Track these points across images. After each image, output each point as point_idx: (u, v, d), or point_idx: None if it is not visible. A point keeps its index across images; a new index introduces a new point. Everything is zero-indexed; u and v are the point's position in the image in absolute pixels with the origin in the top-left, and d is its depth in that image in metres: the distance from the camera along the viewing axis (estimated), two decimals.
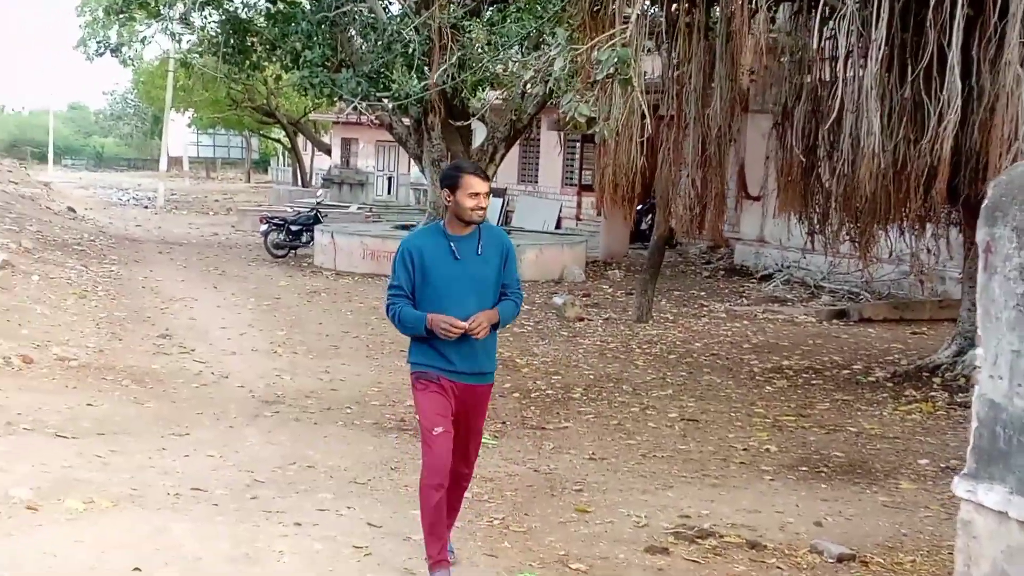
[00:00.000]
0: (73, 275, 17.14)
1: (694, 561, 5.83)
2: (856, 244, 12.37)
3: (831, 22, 10.98)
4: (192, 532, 5.80)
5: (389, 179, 39.76)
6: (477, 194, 5.19)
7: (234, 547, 5.61)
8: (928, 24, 9.93)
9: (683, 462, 8.08)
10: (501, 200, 27.86)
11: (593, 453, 8.28)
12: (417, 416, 5.40)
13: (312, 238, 22.39)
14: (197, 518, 6.09)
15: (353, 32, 21.30)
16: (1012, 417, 4.80)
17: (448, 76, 17.14)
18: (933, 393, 10.48)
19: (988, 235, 4.98)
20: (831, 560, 5.85)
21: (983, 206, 5.02)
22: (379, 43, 19.88)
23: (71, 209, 31.70)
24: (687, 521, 6.53)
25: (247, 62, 24.25)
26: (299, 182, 48.78)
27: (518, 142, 24.20)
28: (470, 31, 18.13)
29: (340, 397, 9.97)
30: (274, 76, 34.47)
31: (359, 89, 19.92)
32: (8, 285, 14.35)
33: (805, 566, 5.78)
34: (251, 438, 8.36)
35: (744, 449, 8.50)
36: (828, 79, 11.96)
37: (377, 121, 23.08)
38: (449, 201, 5.24)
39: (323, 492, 6.84)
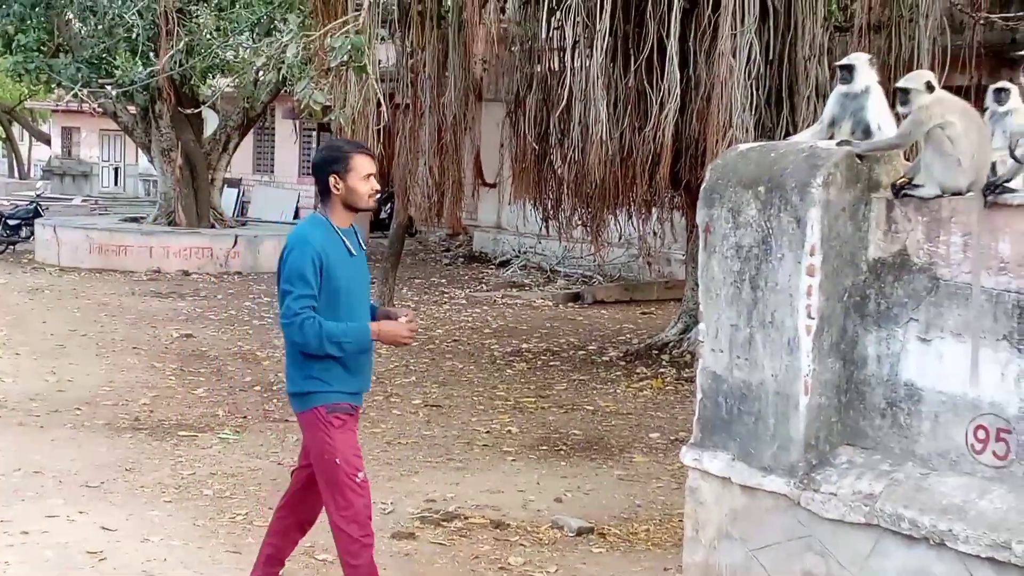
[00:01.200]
0: None
1: (440, 544, 5.91)
2: (588, 229, 12.81)
3: (558, 13, 11.30)
4: None
5: (116, 170, 38.10)
6: (371, 175, 4.65)
7: None
8: (648, 16, 10.38)
9: (428, 447, 8.16)
10: (236, 191, 27.22)
11: None
12: (335, 461, 4.58)
13: (32, 232, 21.17)
14: None
15: (71, 15, 20.26)
16: (732, 388, 5.11)
17: (176, 62, 16.56)
18: (662, 370, 11.00)
19: (707, 216, 5.27)
20: (571, 534, 6.06)
21: (702, 189, 5.31)
22: (100, 27, 19.04)
23: None
24: (433, 505, 6.61)
25: None
26: (16, 174, 45.99)
27: (252, 131, 23.72)
28: (198, 16, 17.61)
29: (68, 398, 9.49)
30: None
31: (79, 75, 19.02)
32: None
33: (547, 541, 5.97)
34: None
35: (487, 432, 8.66)
36: (557, 69, 12.30)
37: (100, 109, 22.09)
38: (338, 189, 4.58)
39: (52, 498, 6.51)
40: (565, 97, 11.06)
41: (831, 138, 5.20)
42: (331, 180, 4.58)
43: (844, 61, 5.13)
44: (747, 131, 9.62)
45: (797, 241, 4.83)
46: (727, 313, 5.13)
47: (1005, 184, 4.48)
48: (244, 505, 6.57)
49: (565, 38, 12.24)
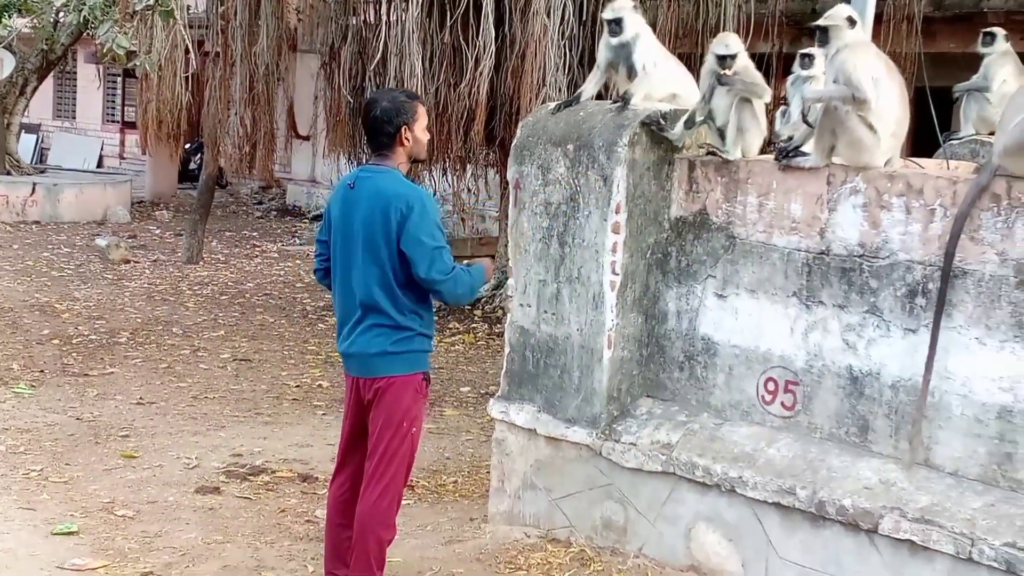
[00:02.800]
0: None
1: (246, 498, 5.84)
2: None
3: None
4: None
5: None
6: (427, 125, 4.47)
7: None
8: None
9: (236, 402, 8.04)
10: (35, 137, 25.96)
11: (141, 398, 8.02)
12: (412, 431, 4.35)
13: None
14: None
15: None
16: (539, 342, 5.22)
17: None
18: (475, 325, 11.10)
19: (517, 173, 5.35)
20: None
21: (512, 146, 5.38)
22: None
23: None
24: (239, 460, 6.52)
25: None
26: None
27: (52, 75, 22.63)
28: None
29: None
30: None
31: None
32: None
33: None
34: None
35: (297, 386, 8.59)
36: (373, 21, 12.17)
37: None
38: (408, 140, 4.31)
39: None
40: (380, 50, 10.97)
41: (607, 80, 5.47)
42: (403, 132, 4.30)
43: (610, 15, 5.27)
44: (560, 90, 9.74)
45: (604, 199, 4.96)
46: (535, 268, 5.22)
47: (798, 148, 4.68)
48: (39, 461, 6.36)
49: None
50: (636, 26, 5.28)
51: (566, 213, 5.11)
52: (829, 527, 4.30)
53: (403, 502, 5.81)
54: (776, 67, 10.46)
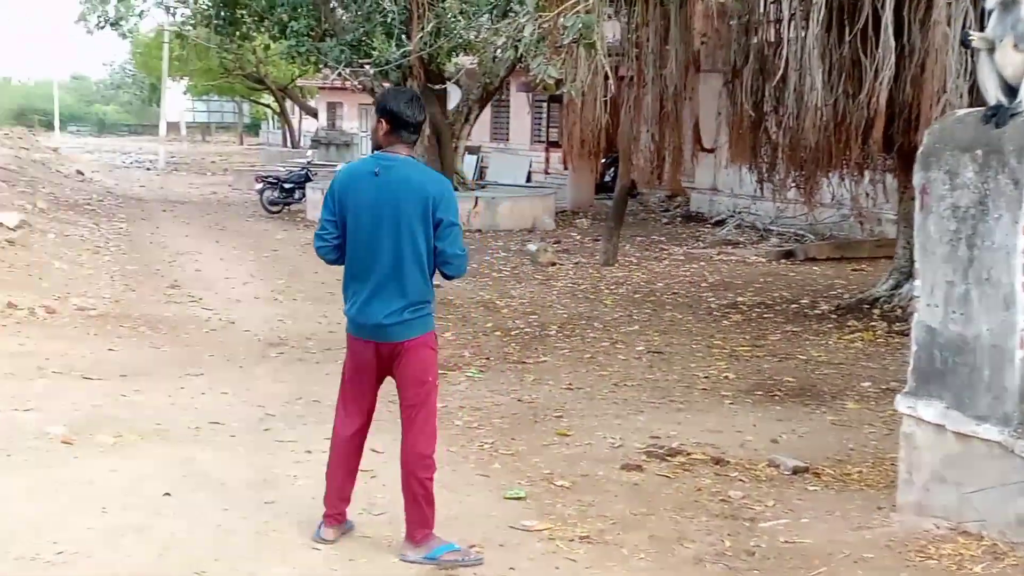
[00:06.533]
0: (86, 232, 17.04)
1: (665, 476, 5.95)
2: (801, 190, 12.50)
3: None
4: (215, 461, 5.87)
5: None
6: None
7: (254, 473, 5.70)
8: None
9: (651, 390, 8.20)
10: (476, 157, 27.77)
11: (570, 384, 8.38)
12: (436, 383, 4.74)
13: (304, 195, 22.27)
14: (218, 448, 6.17)
15: (335, 4, 21.04)
16: (947, 341, 4.94)
17: (425, 43, 17.01)
18: (873, 323, 10.64)
19: (924, 179, 5.09)
20: (787, 472, 5.99)
21: (919, 153, 5.12)
22: (360, 14, 19.67)
23: (79, 172, 31.33)
24: (657, 442, 6.64)
25: (237, 33, 24.00)
26: (289, 144, 48.33)
27: (490, 103, 24.09)
28: (443, 1, 17.98)
29: (338, 338, 9.90)
30: (263, 46, 33.93)
31: (342, 57, 19.74)
32: (27, 243, 14.25)
33: (764, 478, 5.92)
34: (260, 377, 8.42)
35: (705, 377, 8.62)
36: (773, 40, 11.99)
37: (360, 86, 22.88)
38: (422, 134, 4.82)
39: (329, 423, 6.88)
40: (781, 67, 10.81)
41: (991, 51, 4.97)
42: (423, 127, 4.71)
43: None
44: (961, 97, 9.14)
45: (1015, 202, 4.63)
46: (943, 270, 4.95)
47: None
48: (490, 435, 6.78)
49: (781, 11, 11.94)
50: None
51: (975, 217, 4.81)
52: None
53: (810, 488, 5.77)
54: None
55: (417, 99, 4.70)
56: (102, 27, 27.13)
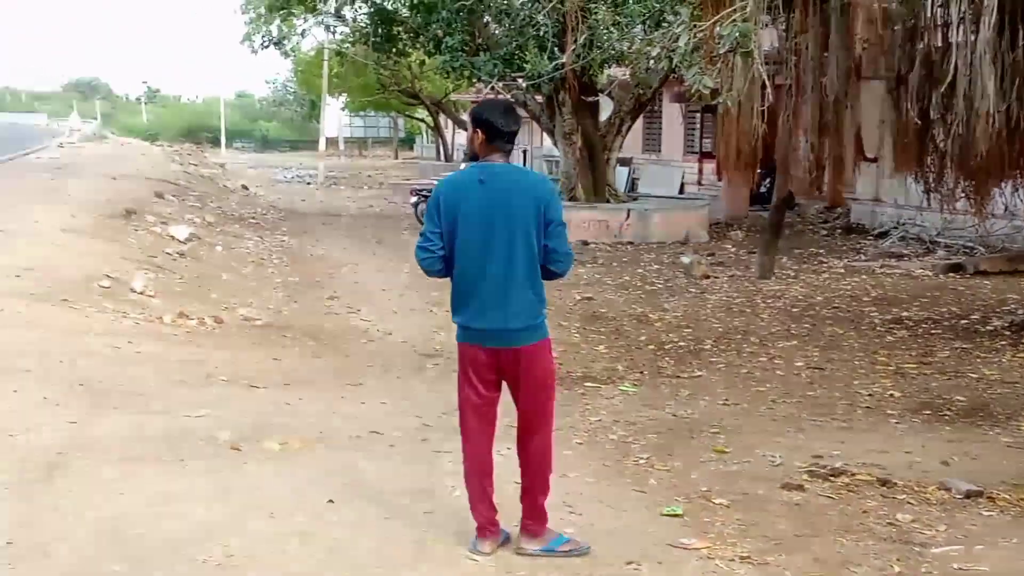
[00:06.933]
0: (251, 245, 17.73)
1: (829, 497, 5.77)
2: (971, 200, 12.01)
3: None
4: (375, 469, 5.99)
5: (524, 152, 39.83)
6: None
7: (413, 483, 5.78)
8: None
9: (812, 407, 7.99)
10: (627, 169, 27.69)
11: (726, 399, 8.24)
12: (555, 386, 4.89)
13: None
14: (378, 457, 6.29)
15: (489, 18, 21.34)
16: None
17: (578, 56, 17.08)
18: None
19: None
20: (959, 496, 5.73)
21: None
22: (513, 28, 19.89)
23: (244, 187, 32.65)
24: (819, 461, 6.44)
25: (393, 49, 24.61)
26: (442, 157, 49.26)
27: (642, 114, 23.99)
28: (596, 13, 18.02)
29: None
30: (418, 61, 34.76)
31: (495, 71, 20.00)
32: (196, 255, 14.92)
33: (935, 501, 5.68)
34: (417, 388, 8.57)
35: (869, 395, 8.35)
36: (941, 46, 11.56)
37: (512, 99, 23.14)
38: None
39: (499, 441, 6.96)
40: (950, 73, 10.39)
41: None
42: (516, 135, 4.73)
43: None
44: None
45: None
46: None
47: None
48: (645, 450, 6.71)
49: (949, 15, 11.49)
50: None
51: None
52: None
53: (985, 513, 5.50)
54: None
55: (512, 109, 4.79)
56: (266, 47, 28.27)
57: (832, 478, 6.08)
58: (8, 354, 7.87)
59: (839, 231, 20.76)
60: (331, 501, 5.35)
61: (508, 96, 22.86)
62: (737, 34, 10.31)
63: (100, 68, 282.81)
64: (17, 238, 12.94)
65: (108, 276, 11.58)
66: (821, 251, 17.90)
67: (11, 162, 29.90)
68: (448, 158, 47.25)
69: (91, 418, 6.67)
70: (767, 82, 11.92)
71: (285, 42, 28.93)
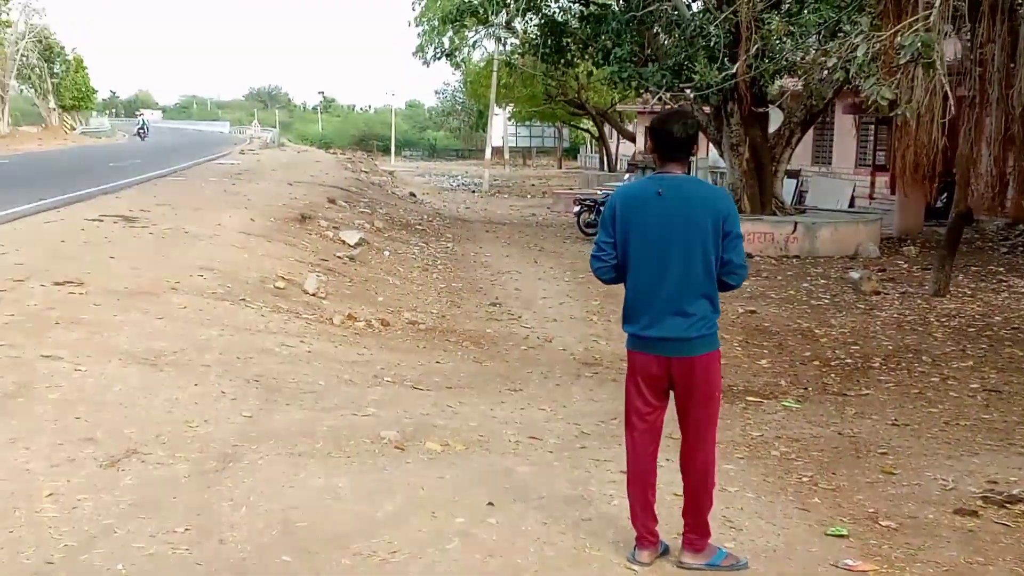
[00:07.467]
0: (416, 251, 18.13)
1: (1005, 525, 5.51)
2: None
3: None
4: (533, 474, 6.05)
5: (689, 163, 39.50)
6: None
7: (570, 488, 5.81)
8: None
9: (987, 431, 7.64)
10: (795, 181, 27.07)
11: (895, 419, 7.96)
12: (720, 398, 4.86)
13: None
14: (536, 462, 6.35)
15: (658, 29, 21.26)
16: None
17: (749, 66, 16.83)
18: None
19: None
20: None
21: None
22: (682, 38, 19.75)
23: (412, 194, 33.43)
24: (995, 487, 6.15)
25: (562, 60, 24.77)
26: (606, 167, 49.29)
27: (812, 126, 23.44)
28: (770, 23, 17.71)
29: None
30: (586, 72, 34.92)
31: (663, 81, 19.89)
32: (366, 260, 15.37)
33: None
34: (575, 395, 8.60)
35: None
36: None
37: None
38: (694, 151, 4.87)
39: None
40: None
41: None
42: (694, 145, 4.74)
43: None
44: None
45: None
46: None
47: None
48: (808, 468, 6.56)
49: None
50: None
51: None
52: None
53: None
54: None
55: (687, 119, 4.74)
56: (438, 58, 28.99)
57: (1008, 505, 5.80)
58: (191, 349, 8.29)
59: (1021, 249, 19.77)
60: (491, 504, 5.43)
61: (675, 107, 22.70)
62: (919, 44, 9.97)
63: (280, 77, 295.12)
64: (200, 240, 13.63)
65: (282, 277, 12.07)
66: (1001, 269, 17.07)
67: (197, 167, 31.52)
68: (612, 168, 47.23)
69: (264, 413, 6.96)
70: (949, 93, 11.47)
71: (456, 53, 29.54)
